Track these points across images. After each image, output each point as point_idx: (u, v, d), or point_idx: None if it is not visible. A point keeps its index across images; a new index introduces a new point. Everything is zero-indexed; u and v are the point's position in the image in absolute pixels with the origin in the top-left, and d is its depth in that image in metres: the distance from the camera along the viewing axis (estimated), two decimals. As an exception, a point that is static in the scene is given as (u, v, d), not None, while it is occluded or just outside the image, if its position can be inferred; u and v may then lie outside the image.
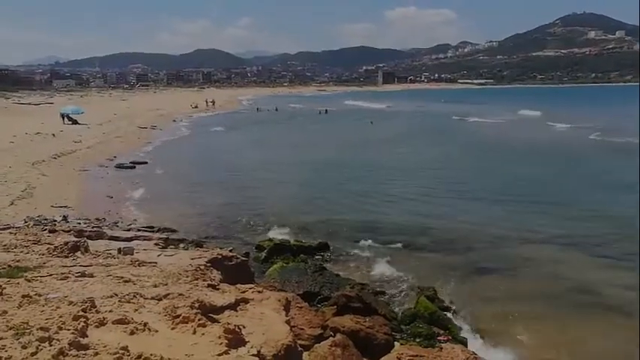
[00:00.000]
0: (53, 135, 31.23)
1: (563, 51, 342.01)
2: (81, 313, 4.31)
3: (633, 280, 10.10)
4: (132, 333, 4.19)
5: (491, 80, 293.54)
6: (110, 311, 4.67)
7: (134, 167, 23.33)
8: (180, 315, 4.58)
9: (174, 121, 51.09)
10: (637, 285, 9.66)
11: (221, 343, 4.18)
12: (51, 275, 5.90)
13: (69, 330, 3.94)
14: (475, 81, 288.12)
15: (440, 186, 20.13)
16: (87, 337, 3.94)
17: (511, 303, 9.42)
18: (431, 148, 31.83)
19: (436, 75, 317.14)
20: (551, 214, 15.50)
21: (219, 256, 8.58)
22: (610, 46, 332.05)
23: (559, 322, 8.63)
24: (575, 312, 8.98)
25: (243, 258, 10.06)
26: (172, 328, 4.46)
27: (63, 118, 40.54)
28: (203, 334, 4.35)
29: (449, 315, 8.71)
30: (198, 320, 4.52)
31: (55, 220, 12.54)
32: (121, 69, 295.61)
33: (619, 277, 10.57)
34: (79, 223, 12.50)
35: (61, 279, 5.77)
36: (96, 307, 4.64)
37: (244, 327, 4.75)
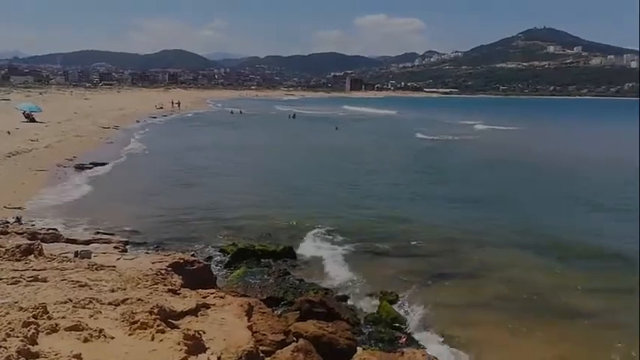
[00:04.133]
0: (8, 132, 29.92)
1: (524, 63, 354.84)
2: (31, 319, 4.15)
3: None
4: (86, 340, 4.06)
5: (456, 90, 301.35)
6: (63, 317, 4.51)
7: (93, 168, 22.60)
8: (138, 321, 4.47)
9: (138, 121, 49.95)
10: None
11: (180, 350, 4.10)
12: (1, 280, 5.65)
13: (18, 337, 3.78)
14: (440, 90, 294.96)
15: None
16: (37, 344, 3.79)
17: (472, 308, 9.58)
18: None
19: (402, 83, 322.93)
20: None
21: (181, 261, 8.41)
22: (568, 61, 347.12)
23: (519, 327, 8.82)
24: (536, 317, 9.19)
25: (206, 262, 9.92)
26: (130, 335, 4.34)
27: (25, 115, 38.88)
28: (162, 340, 4.26)
29: (410, 320, 8.80)
30: (157, 326, 4.42)
31: (8, 222, 12.01)
32: (84, 67, 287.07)
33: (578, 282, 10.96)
34: (33, 225, 12.02)
35: (11, 283, 5.53)
36: (48, 313, 4.47)
37: (205, 333, 4.68)
